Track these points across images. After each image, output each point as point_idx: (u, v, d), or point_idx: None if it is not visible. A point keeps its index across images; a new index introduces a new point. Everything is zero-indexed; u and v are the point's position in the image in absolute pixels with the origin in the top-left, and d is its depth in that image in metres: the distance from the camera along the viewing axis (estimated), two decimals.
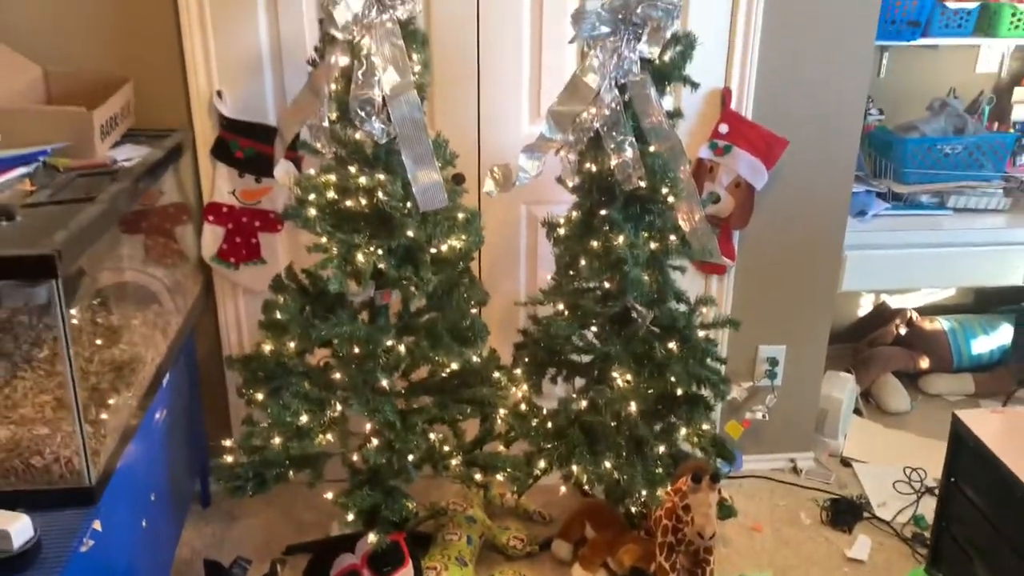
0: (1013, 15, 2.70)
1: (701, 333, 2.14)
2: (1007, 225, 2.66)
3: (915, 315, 3.27)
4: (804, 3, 2.24)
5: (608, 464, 2.08)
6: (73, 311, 1.96)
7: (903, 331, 3.24)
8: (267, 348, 1.95)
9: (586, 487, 2.23)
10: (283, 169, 2.03)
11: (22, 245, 1.40)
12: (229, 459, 2.00)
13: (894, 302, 3.36)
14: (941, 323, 3.23)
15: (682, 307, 2.14)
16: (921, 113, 2.89)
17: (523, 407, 2.21)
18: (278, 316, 1.94)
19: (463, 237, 1.96)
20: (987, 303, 3.36)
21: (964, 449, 1.87)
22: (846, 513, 2.49)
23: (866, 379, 3.11)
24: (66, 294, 1.91)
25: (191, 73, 2.14)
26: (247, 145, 2.19)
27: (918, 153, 2.71)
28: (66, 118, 1.85)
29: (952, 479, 1.92)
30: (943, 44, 2.81)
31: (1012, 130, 2.99)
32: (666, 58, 1.90)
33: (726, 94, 2.29)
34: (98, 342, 1.93)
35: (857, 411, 3.02)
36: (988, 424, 1.85)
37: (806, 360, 2.64)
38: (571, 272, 2.14)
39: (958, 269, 2.68)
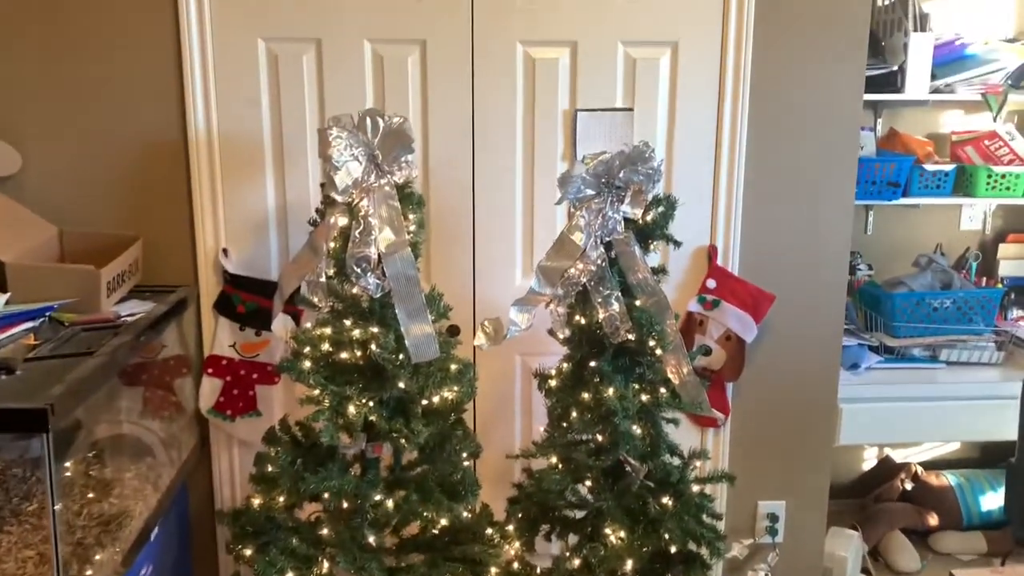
0: (989, 176, 2.83)
1: (696, 488, 2.11)
2: (1000, 379, 2.67)
3: (920, 470, 3.22)
4: (783, 166, 2.36)
5: None
6: (67, 463, 1.97)
7: (908, 486, 3.18)
8: (256, 502, 1.94)
9: None
10: (281, 323, 2.09)
11: (18, 399, 1.44)
12: None
13: (898, 456, 3.32)
14: (947, 478, 3.17)
15: (676, 460, 2.13)
16: (908, 268, 2.96)
17: (516, 566, 2.16)
18: (269, 469, 1.95)
19: (455, 388, 1.99)
20: (994, 458, 3.31)
21: None
22: None
23: (873, 536, 3.02)
24: (61, 446, 1.94)
25: (199, 232, 2.24)
26: (249, 299, 2.27)
27: (907, 307, 2.77)
28: (75, 275, 1.93)
29: None
30: (925, 203, 2.93)
31: (1000, 285, 3.06)
32: (649, 218, 1.99)
33: (712, 251, 2.37)
34: (89, 495, 1.93)
35: (865, 571, 2.92)
36: None
37: (807, 516, 2.58)
38: (563, 424, 2.14)
39: (954, 423, 2.67)
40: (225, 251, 2.27)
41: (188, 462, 2.27)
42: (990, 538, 3.06)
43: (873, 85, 2.68)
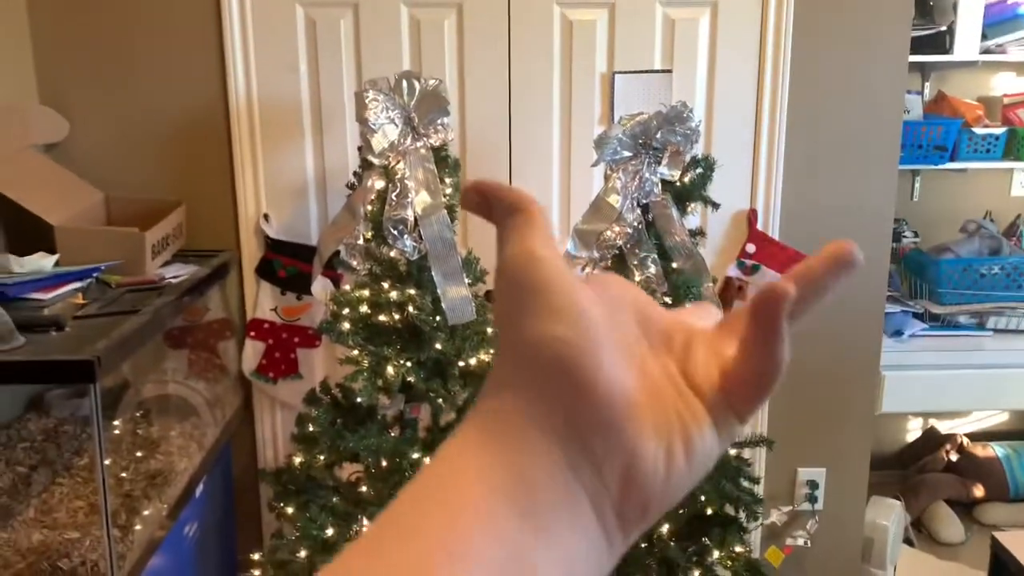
0: None
1: (733, 451, 2.11)
2: None
3: (966, 441, 3.16)
4: (826, 129, 2.31)
5: None
6: (116, 421, 2.04)
7: (954, 457, 3.13)
8: (297, 461, 1.98)
9: None
10: (320, 286, 2.12)
11: (67, 352, 1.49)
12: (256, 573, 2.00)
13: (943, 427, 3.26)
14: (995, 449, 3.11)
15: None
16: (955, 235, 2.90)
17: None
18: (310, 429, 1.98)
19: (492, 351, 2.00)
20: None
21: (1006, 574, 1.78)
22: None
23: (916, 507, 2.98)
24: (110, 405, 2.00)
25: (241, 198, 2.28)
26: (290, 264, 2.30)
27: (954, 274, 2.71)
28: (120, 238, 1.98)
29: None
30: (973, 168, 2.85)
31: None
32: (686, 180, 1.97)
33: (752, 214, 2.34)
34: (137, 453, 1.99)
35: (908, 541, 2.89)
36: None
37: (848, 484, 2.56)
38: None
39: (1001, 391, 2.62)
40: (266, 216, 2.30)
41: (232, 423, 2.32)
42: None
43: (920, 46, 2.61)
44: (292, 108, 2.26)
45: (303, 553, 1.92)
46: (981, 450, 3.11)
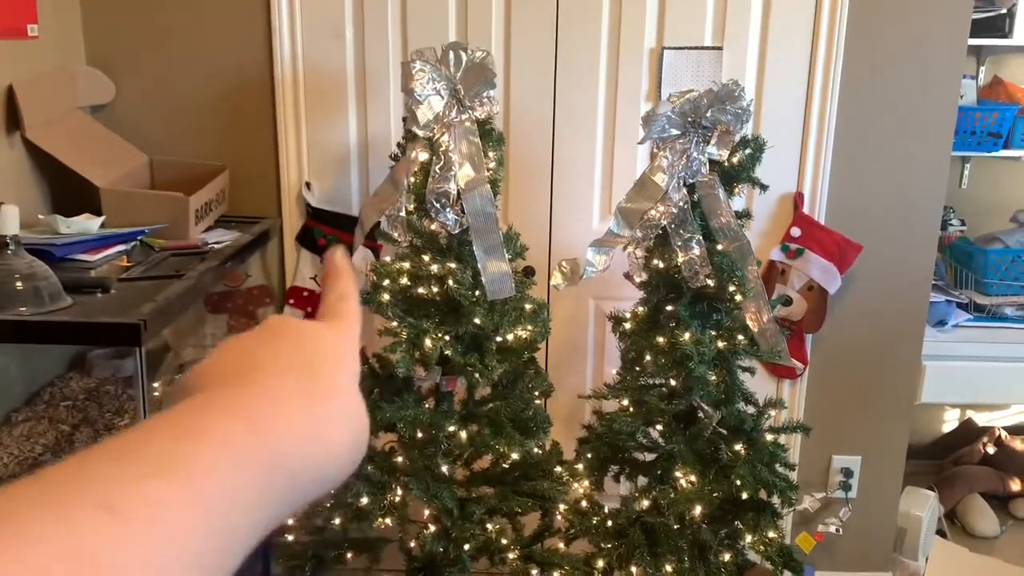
0: None
1: (769, 437, 2.09)
2: None
3: (1005, 434, 3.11)
4: (878, 112, 2.26)
5: (669, 568, 2.02)
6: (156, 384, 2.06)
7: (991, 450, 3.08)
8: None
9: None
10: (361, 256, 2.12)
11: (113, 314, 1.50)
12: (291, 538, 2.03)
13: (981, 419, 3.21)
14: None
15: (750, 409, 2.10)
16: (1005, 225, 2.83)
17: (584, 504, 2.18)
18: None
19: (529, 327, 1.99)
20: None
21: None
22: None
23: (950, 499, 2.95)
24: (152, 366, 2.02)
25: (283, 165, 2.28)
26: (330, 233, 2.30)
27: (1001, 264, 2.65)
28: (165, 202, 1.99)
29: None
30: None
31: None
32: (735, 160, 1.94)
33: (798, 198, 2.30)
34: None
35: (941, 532, 2.86)
36: None
37: (883, 473, 2.53)
38: (636, 368, 2.13)
39: None
40: (308, 184, 2.30)
41: None
42: None
43: (978, 29, 2.53)
44: (337, 76, 2.25)
45: (337, 520, 1.94)
46: (1020, 444, 3.06)
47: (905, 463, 2.59)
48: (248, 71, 2.23)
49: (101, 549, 0.26)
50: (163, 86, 2.24)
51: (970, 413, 3.23)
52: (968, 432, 3.20)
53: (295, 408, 0.37)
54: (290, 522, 2.07)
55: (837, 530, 2.48)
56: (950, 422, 3.26)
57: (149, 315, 1.48)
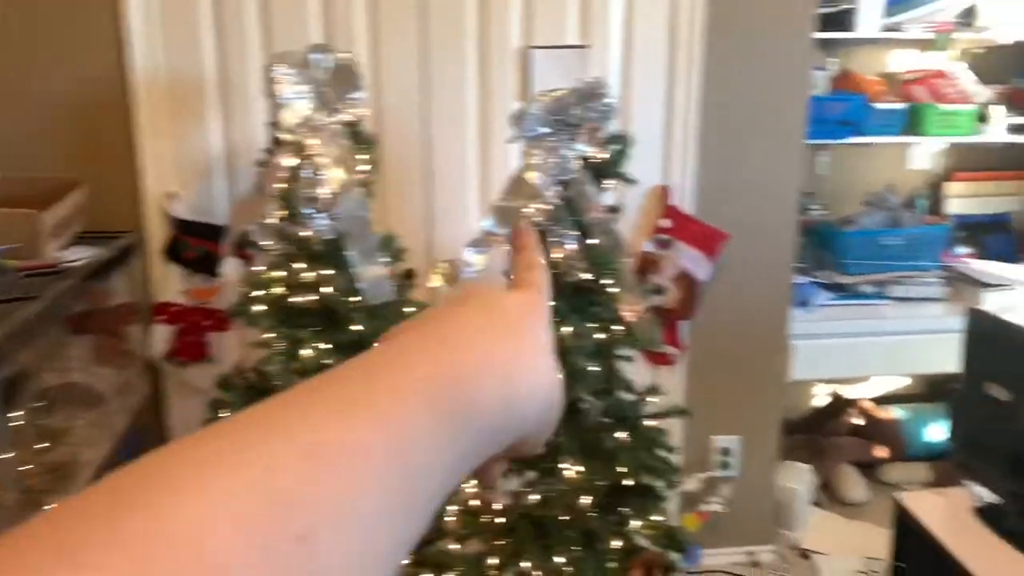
0: (938, 115, 2.86)
1: (650, 423, 2.15)
2: (945, 313, 2.74)
3: (870, 405, 3.31)
4: (737, 105, 2.36)
5: (560, 558, 2.05)
6: (17, 412, 1.94)
7: (858, 421, 3.27)
8: None
9: None
10: (231, 267, 2.06)
11: None
12: None
13: (848, 392, 3.40)
14: (895, 412, 3.26)
15: (631, 397, 2.15)
16: (859, 207, 3.00)
17: (472, 503, 2.18)
18: (224, 415, 1.93)
19: None
20: (940, 391, 3.41)
21: (908, 533, 1.87)
22: None
23: (823, 470, 3.11)
24: (8, 394, 1.90)
25: (143, 176, 2.18)
26: (198, 245, 2.22)
27: (858, 246, 2.81)
28: (16, 219, 1.87)
29: (900, 564, 1.92)
30: (876, 142, 2.95)
31: (947, 223, 3.12)
32: (604, 157, 1.98)
33: (666, 190, 2.37)
34: (40, 445, 1.90)
35: (816, 503, 3.01)
36: (930, 506, 1.86)
37: (761, 450, 2.65)
38: None
39: (901, 357, 2.74)
40: (172, 195, 2.22)
41: (141, 410, 2.24)
42: (934, 468, 3.18)
43: (826, 23, 2.67)
44: (196, 82, 2.17)
45: None
46: (883, 413, 3.26)
47: (780, 439, 2.71)
48: (100, 80, 2.13)
49: (295, 487, 0.27)
50: (10, 100, 2.11)
51: (838, 387, 3.41)
52: (837, 405, 3.38)
53: (483, 344, 0.37)
54: None
55: (720, 508, 2.58)
56: (820, 397, 3.44)
57: (0, 340, 1.39)
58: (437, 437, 0.32)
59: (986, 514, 1.83)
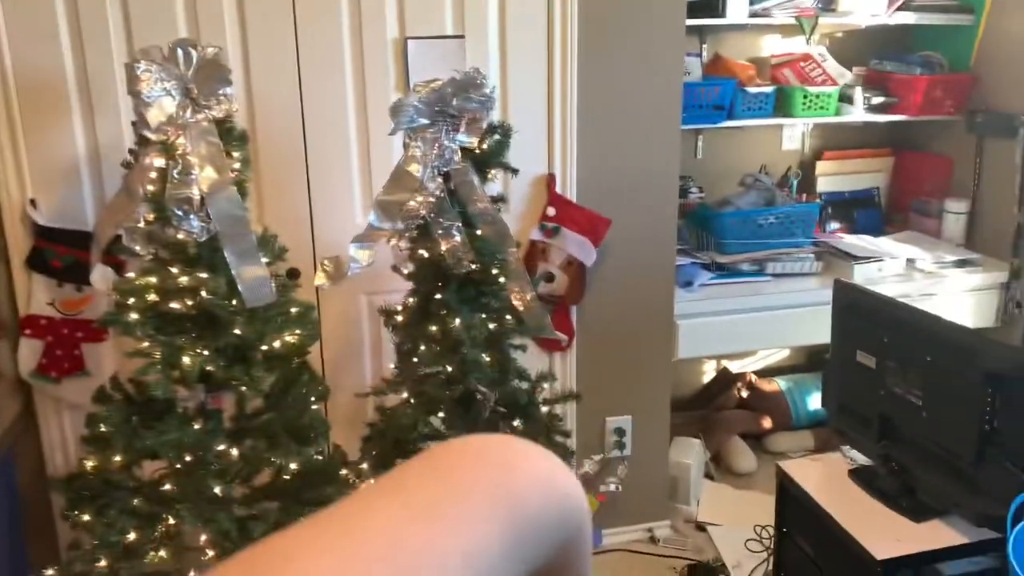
0: (804, 97, 2.99)
1: (545, 409, 2.17)
2: (820, 286, 2.87)
3: (754, 378, 3.44)
4: (614, 93, 2.40)
5: None
6: None
7: (745, 394, 3.40)
8: (90, 464, 1.83)
9: None
10: (100, 274, 1.96)
11: None
12: None
13: (734, 367, 3.53)
14: (779, 383, 3.41)
15: (525, 385, 2.17)
16: (735, 189, 3.11)
17: None
18: (102, 429, 1.84)
19: (297, 331, 1.93)
20: (819, 361, 3.58)
21: (790, 498, 1.96)
22: None
23: (714, 443, 3.22)
24: None
25: (1, 183, 2.05)
26: (65, 253, 2.11)
27: (735, 225, 2.91)
28: None
29: (783, 529, 2.01)
30: (749, 125, 3.06)
31: (818, 200, 3.27)
32: (485, 147, 1.98)
33: (550, 178, 2.40)
34: None
35: (708, 475, 3.12)
36: (808, 472, 1.95)
37: (652, 428, 2.72)
38: (413, 359, 2.14)
39: (780, 330, 2.86)
40: (33, 202, 2.09)
41: (12, 431, 2.11)
42: (817, 435, 3.33)
43: (697, 11, 2.75)
44: (54, 81, 2.05)
45: (103, 562, 1.79)
46: (767, 385, 3.40)
47: (673, 415, 2.79)
48: None
49: None
50: None
51: (725, 363, 3.54)
52: (724, 380, 3.51)
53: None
54: (50, 573, 1.89)
55: (617, 488, 2.64)
56: (708, 373, 3.55)
57: None
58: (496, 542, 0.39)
59: (859, 475, 1.94)
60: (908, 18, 3.00)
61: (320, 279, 1.99)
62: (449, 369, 2.08)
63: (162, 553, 1.87)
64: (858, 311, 1.97)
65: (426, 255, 2.02)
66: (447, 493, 0.38)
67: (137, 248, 1.81)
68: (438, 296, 2.03)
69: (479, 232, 2.01)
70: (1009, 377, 1.60)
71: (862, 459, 2.00)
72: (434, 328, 2.03)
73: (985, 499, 1.64)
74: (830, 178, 3.39)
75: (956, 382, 1.68)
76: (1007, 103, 2.99)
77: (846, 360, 1.97)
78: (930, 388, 1.74)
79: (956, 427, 1.68)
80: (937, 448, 1.76)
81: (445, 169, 1.96)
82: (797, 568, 1.99)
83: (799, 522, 1.97)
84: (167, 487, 1.86)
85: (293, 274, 2.21)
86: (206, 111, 1.74)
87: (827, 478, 1.94)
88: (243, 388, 1.84)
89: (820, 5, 2.96)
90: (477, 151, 1.99)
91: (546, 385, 2.21)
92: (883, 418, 1.86)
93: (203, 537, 1.87)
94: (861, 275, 2.89)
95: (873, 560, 1.66)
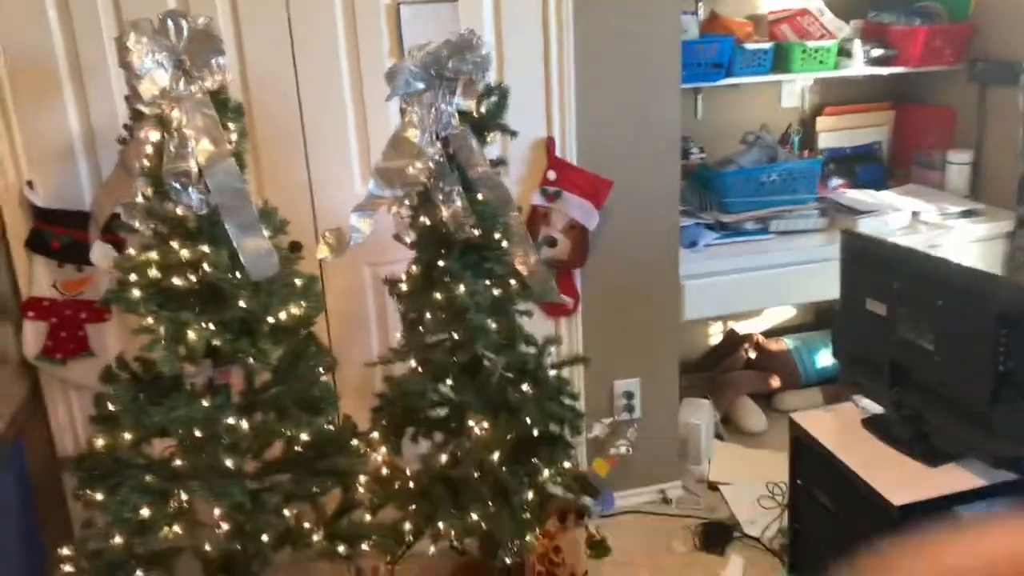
0: (803, 52, 2.95)
1: (553, 373, 2.16)
2: (824, 243, 2.85)
3: (762, 338, 3.43)
4: (612, 54, 2.37)
5: (475, 516, 2.05)
6: None
7: (752, 355, 3.39)
8: (100, 443, 1.83)
9: (455, 544, 2.19)
10: (100, 252, 1.95)
11: None
12: (68, 568, 1.84)
13: (741, 328, 3.52)
14: (786, 343, 3.40)
15: (532, 350, 2.16)
16: (737, 147, 3.08)
17: (385, 471, 2.16)
18: (110, 408, 1.83)
19: (302, 303, 1.92)
20: (826, 319, 3.57)
21: (804, 451, 1.95)
22: (717, 536, 2.54)
23: (723, 404, 3.22)
24: None
25: None
26: (64, 234, 2.09)
27: (738, 184, 2.89)
28: None
29: (799, 482, 2.01)
30: (748, 82, 3.03)
31: (820, 156, 3.24)
32: (483, 109, 1.96)
33: (550, 142, 2.37)
34: None
35: (718, 436, 3.12)
36: (821, 423, 1.94)
37: (661, 390, 2.71)
38: (419, 327, 2.12)
39: (787, 288, 2.85)
40: (30, 183, 2.07)
41: (19, 414, 2.11)
42: (826, 392, 3.32)
43: None
44: (44, 59, 2.02)
45: (118, 538, 1.79)
46: (775, 345, 3.39)
47: (682, 377, 2.78)
48: None
49: None
50: None
51: (731, 323, 3.52)
52: (731, 341, 3.50)
53: None
54: (65, 551, 1.89)
55: (628, 450, 2.64)
56: (715, 334, 3.54)
57: None
58: None
59: (872, 424, 1.93)
60: None
61: (323, 251, 1.97)
62: (455, 336, 2.07)
63: (176, 528, 1.87)
64: (866, 259, 1.95)
65: (427, 222, 2.00)
66: None
67: (136, 224, 1.80)
68: (441, 263, 2.02)
69: (480, 197, 1.98)
70: (1022, 317, 1.59)
71: (875, 408, 1.99)
72: (439, 295, 2.02)
73: (1001, 441, 1.63)
74: (831, 134, 3.37)
75: (968, 325, 1.67)
76: (1007, 51, 2.95)
77: (856, 309, 1.95)
78: (942, 332, 1.72)
79: (969, 370, 1.67)
80: (950, 392, 1.75)
81: (443, 134, 1.94)
82: (813, 519, 1.99)
83: (814, 474, 1.97)
84: (178, 463, 1.86)
85: (295, 247, 2.19)
86: (199, 82, 1.72)
87: (841, 428, 1.93)
88: (251, 361, 1.83)
89: None
90: (475, 115, 1.96)
91: (553, 349, 2.19)
92: (895, 365, 1.85)
93: (216, 511, 1.87)
94: (866, 229, 2.86)
95: (891, 506, 1.66)
